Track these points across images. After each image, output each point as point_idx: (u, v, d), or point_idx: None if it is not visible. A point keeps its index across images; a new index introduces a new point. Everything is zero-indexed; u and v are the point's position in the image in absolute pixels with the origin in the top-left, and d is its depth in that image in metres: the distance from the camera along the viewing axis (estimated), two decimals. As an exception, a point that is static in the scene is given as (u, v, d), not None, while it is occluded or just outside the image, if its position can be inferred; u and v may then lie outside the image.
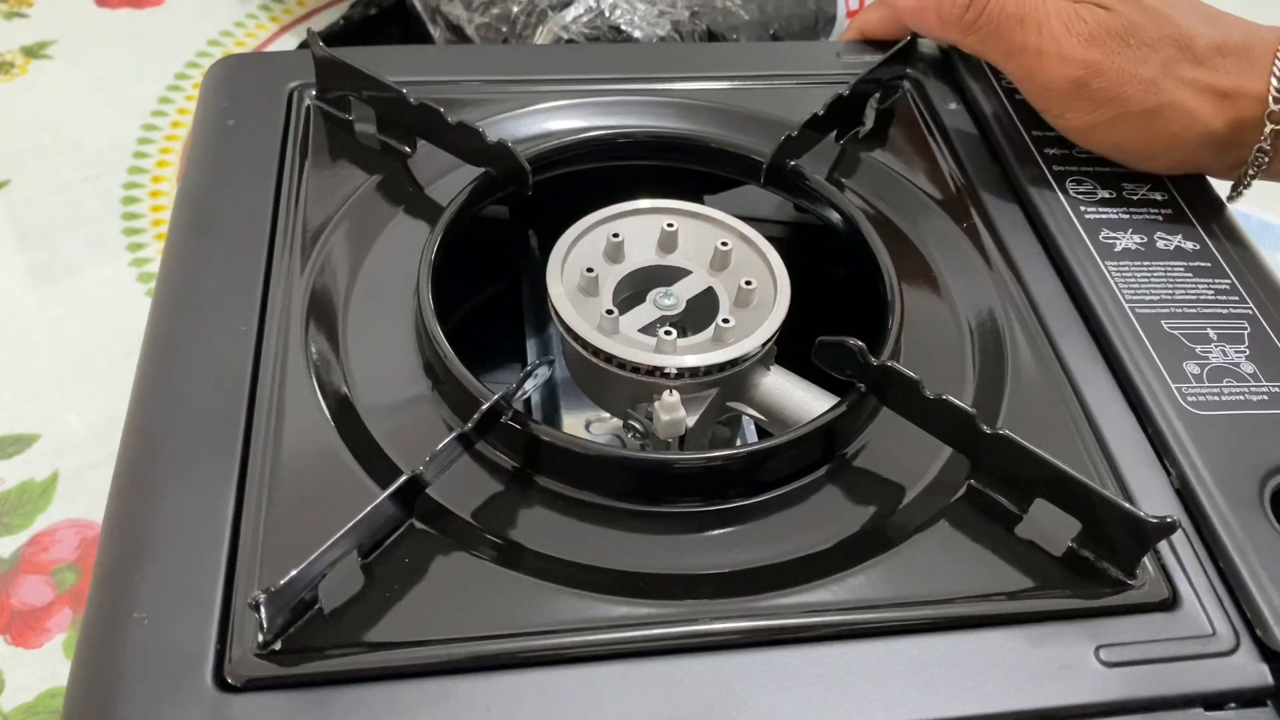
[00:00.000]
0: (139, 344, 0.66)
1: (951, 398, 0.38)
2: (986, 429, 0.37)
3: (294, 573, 0.32)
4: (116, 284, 0.72)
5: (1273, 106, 0.45)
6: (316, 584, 0.34)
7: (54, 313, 0.71)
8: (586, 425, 0.50)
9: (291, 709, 0.32)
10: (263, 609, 0.32)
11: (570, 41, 0.72)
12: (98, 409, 0.65)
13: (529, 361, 0.53)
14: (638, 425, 0.43)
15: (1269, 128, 0.45)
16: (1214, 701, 0.35)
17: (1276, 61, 0.45)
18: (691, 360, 0.41)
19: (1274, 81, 0.44)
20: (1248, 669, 0.35)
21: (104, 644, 0.34)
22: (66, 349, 0.68)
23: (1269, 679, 0.35)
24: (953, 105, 0.54)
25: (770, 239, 0.45)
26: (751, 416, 0.44)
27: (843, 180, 0.50)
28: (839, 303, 0.51)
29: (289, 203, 0.46)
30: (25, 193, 0.79)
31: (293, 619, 0.34)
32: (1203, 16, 0.47)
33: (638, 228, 0.46)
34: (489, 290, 0.56)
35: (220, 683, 0.33)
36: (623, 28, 0.73)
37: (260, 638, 0.33)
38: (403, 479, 0.35)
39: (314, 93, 0.51)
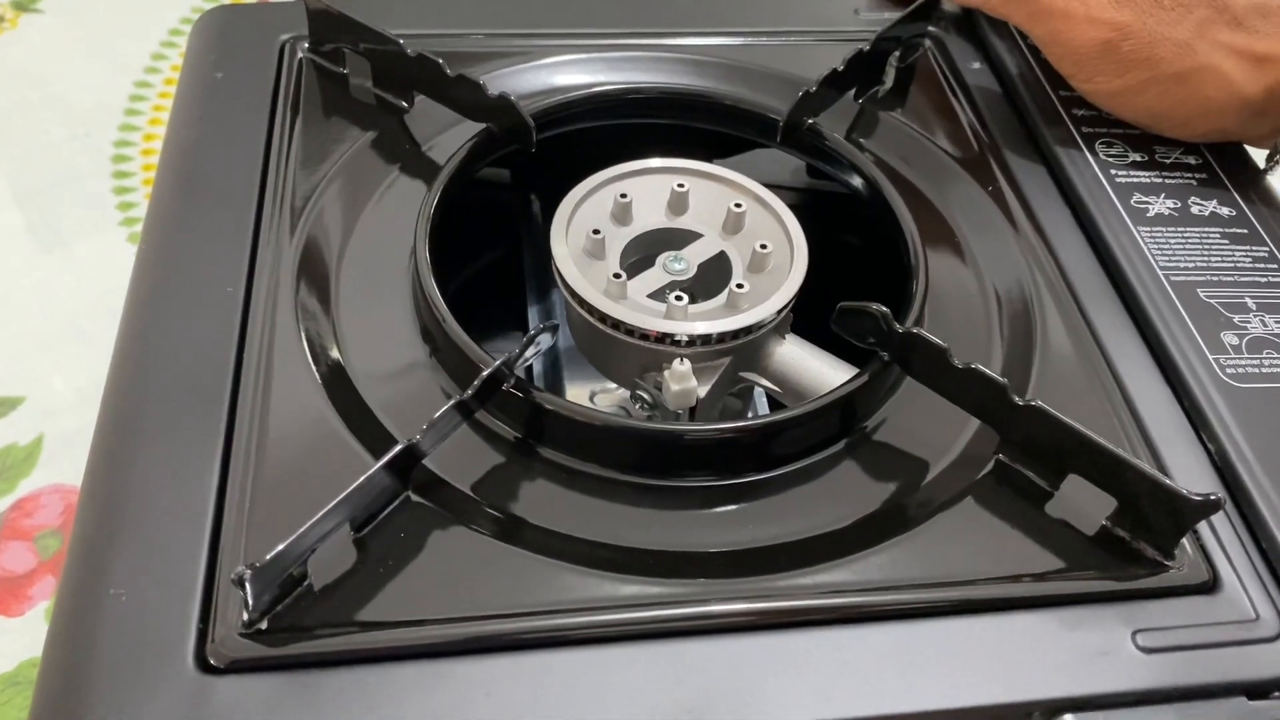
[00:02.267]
0: (128, 309, 0.65)
1: (982, 367, 0.36)
2: (1019, 400, 0.35)
3: (281, 546, 0.30)
4: (106, 245, 0.70)
5: None
6: (306, 559, 0.32)
7: (41, 274, 0.68)
8: (591, 396, 0.48)
9: (278, 692, 0.30)
10: (248, 585, 0.30)
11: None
12: (85, 372, 0.63)
13: (530, 329, 0.50)
14: (646, 395, 0.41)
15: None
16: (1258, 690, 0.33)
17: None
18: (703, 327, 0.39)
19: None
20: (1293, 656, 0.33)
21: (79, 622, 0.32)
22: (54, 311, 0.66)
23: (1316, 667, 0.33)
24: (976, 64, 0.52)
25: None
26: (765, 387, 0.42)
27: (861, 141, 0.48)
28: (854, 272, 0.49)
29: (279, 160, 0.44)
30: (12, 151, 0.77)
31: (280, 596, 0.32)
32: None
33: (647, 188, 0.43)
34: (488, 256, 0.54)
35: (202, 664, 0.31)
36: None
37: (245, 616, 0.31)
38: (398, 448, 0.33)
39: (307, 45, 0.48)
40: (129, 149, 0.79)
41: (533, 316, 0.51)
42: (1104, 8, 0.44)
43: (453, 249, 0.44)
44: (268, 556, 0.30)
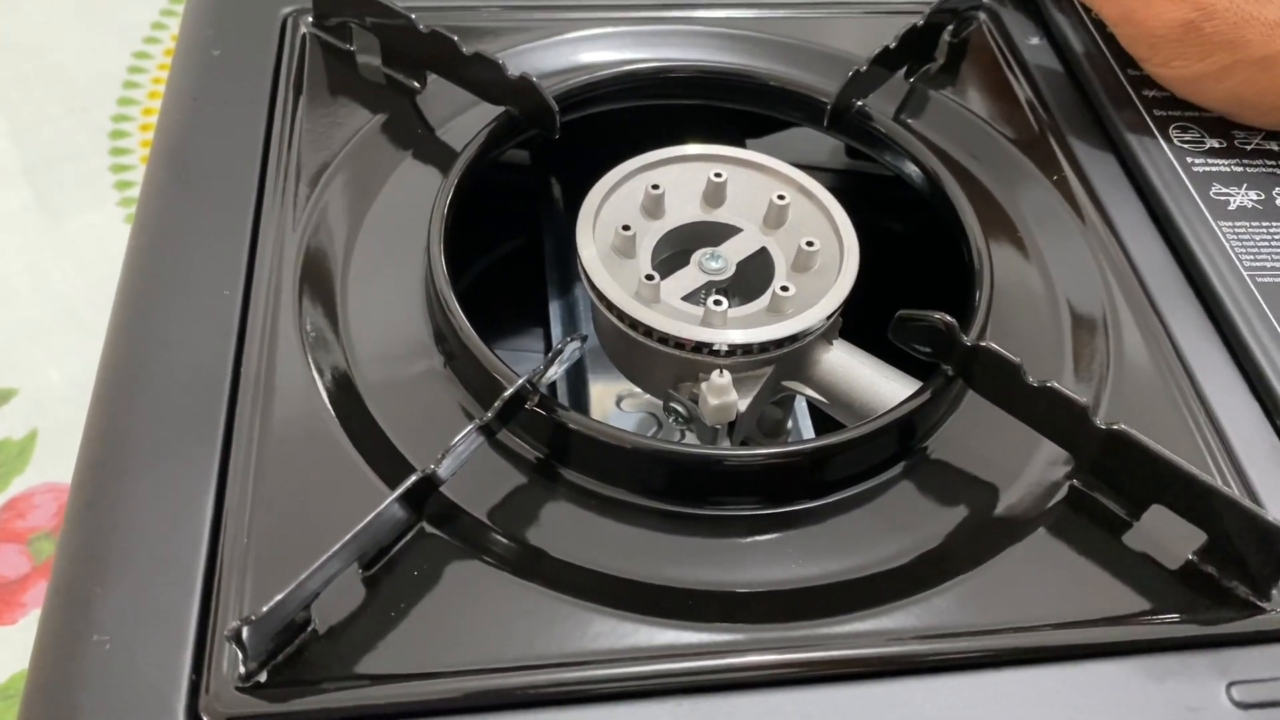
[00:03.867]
0: (127, 295, 0.61)
1: (1058, 386, 0.32)
2: (1101, 425, 0.32)
3: (281, 595, 0.27)
4: (103, 227, 0.67)
5: None
6: (309, 603, 0.28)
7: (36, 257, 0.66)
8: (618, 401, 0.45)
9: (279, 756, 0.27)
10: (245, 640, 0.27)
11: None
12: (81, 363, 0.61)
13: (551, 328, 0.47)
14: (680, 408, 0.37)
15: None
16: (1366, 751, 0.30)
17: None
18: (745, 335, 0.35)
19: None
20: (1405, 712, 0.30)
21: (59, 671, 0.29)
22: (48, 297, 0.63)
23: None
24: (1035, 40, 0.48)
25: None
26: (810, 398, 0.38)
27: (911, 123, 0.44)
28: (900, 262, 0.45)
29: (281, 147, 0.40)
30: (7, 125, 0.74)
31: (282, 644, 0.29)
32: None
33: (680, 177, 0.40)
34: (506, 245, 0.51)
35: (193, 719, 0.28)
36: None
37: (242, 668, 0.28)
38: (414, 478, 0.30)
39: (310, 19, 0.45)
40: (127, 124, 0.75)
41: (554, 311, 0.48)
42: (1185, -16, 0.40)
43: (468, 238, 0.40)
44: (265, 608, 0.27)
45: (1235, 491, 0.32)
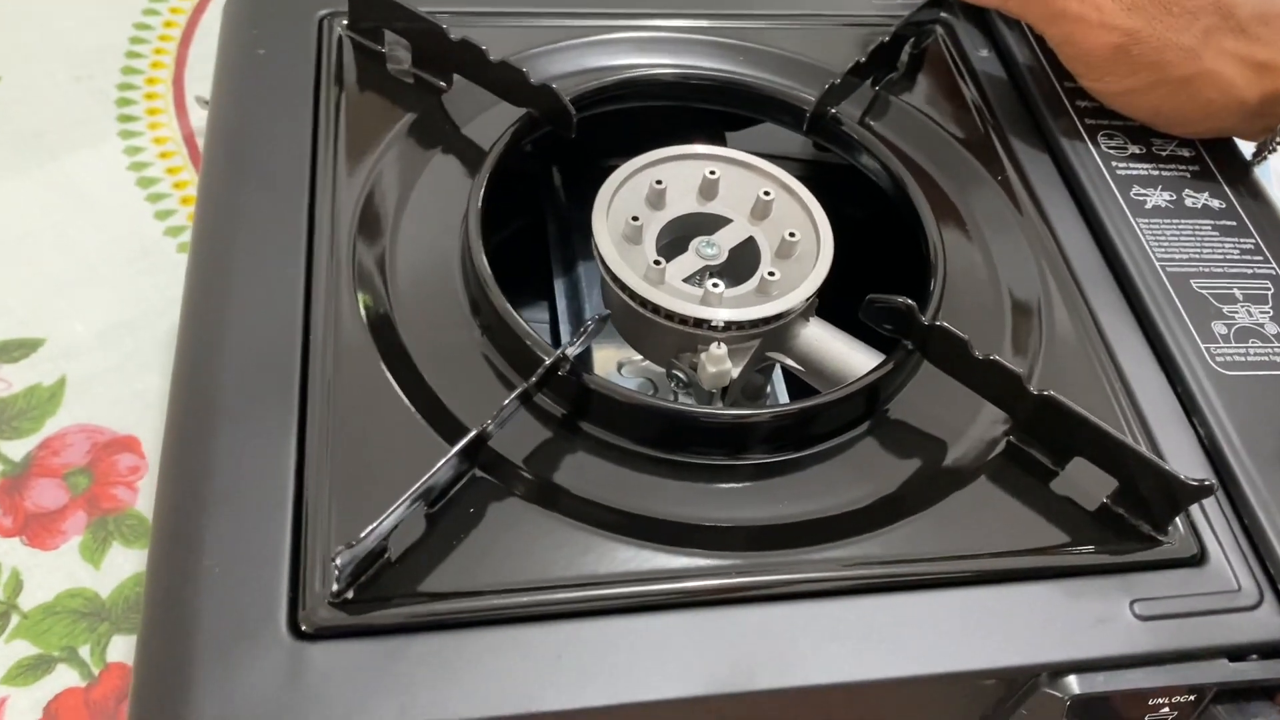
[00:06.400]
0: (140, 251, 0.66)
1: (1000, 359, 0.39)
2: (1034, 390, 0.38)
3: (372, 528, 0.33)
4: (116, 188, 0.71)
5: None
6: (387, 536, 0.34)
7: (55, 217, 0.69)
8: (619, 367, 0.51)
9: (368, 657, 0.33)
10: (340, 564, 0.33)
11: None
12: (102, 315, 0.65)
13: (556, 301, 0.53)
14: (680, 374, 0.44)
15: None
16: (1237, 653, 0.37)
17: None
18: (738, 314, 0.41)
19: None
20: (1270, 623, 0.37)
21: (174, 594, 0.34)
22: (68, 254, 0.67)
23: (1289, 632, 0.37)
24: (984, 52, 0.54)
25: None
26: (790, 367, 0.45)
27: (876, 126, 0.50)
28: (862, 244, 0.51)
29: (328, 143, 0.45)
30: (16, 92, 0.77)
31: (364, 568, 0.34)
32: None
33: (680, 173, 0.46)
34: (513, 225, 0.56)
35: (295, 631, 0.33)
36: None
37: (335, 586, 0.34)
38: (471, 435, 0.35)
39: (345, 23, 0.50)
40: (132, 92, 0.79)
41: (559, 287, 0.53)
42: (1116, 14, 0.47)
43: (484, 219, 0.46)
44: (361, 537, 0.33)
45: (1141, 447, 0.39)
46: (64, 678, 0.50)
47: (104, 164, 0.72)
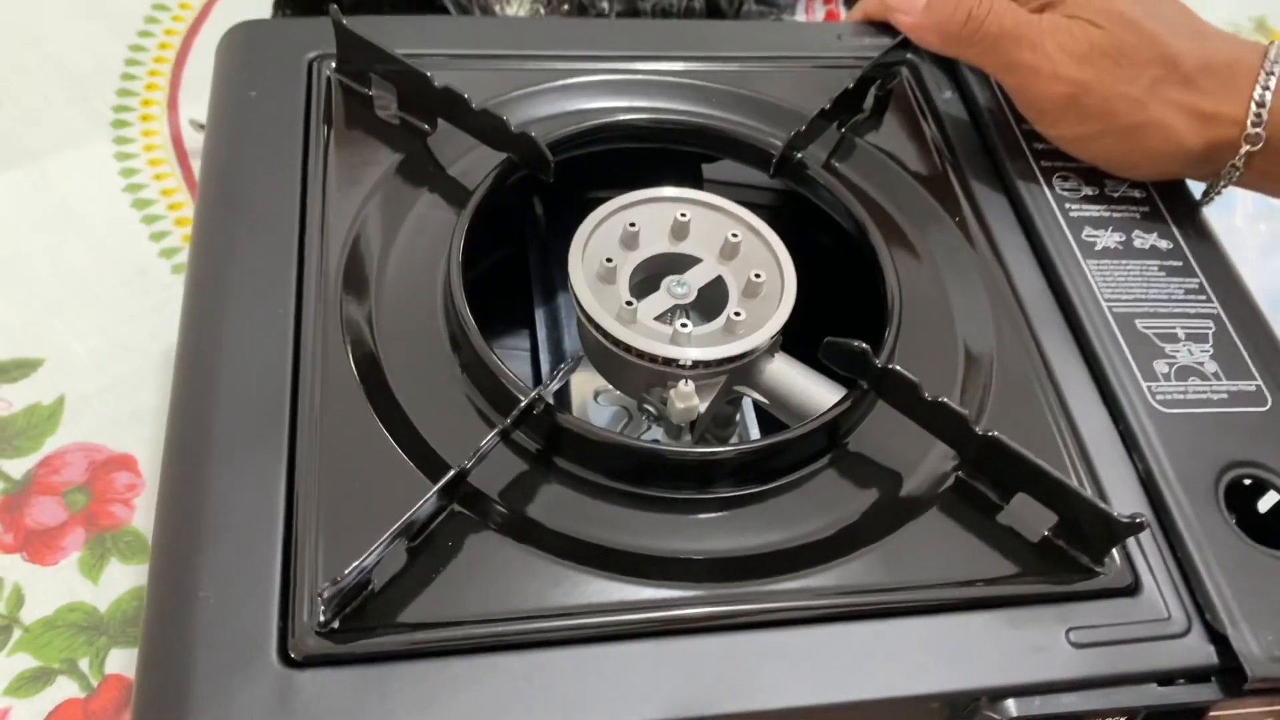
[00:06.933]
0: (135, 272, 0.68)
1: (947, 400, 0.41)
2: (979, 431, 0.41)
3: (356, 563, 0.35)
4: (111, 210, 0.73)
5: (1250, 130, 0.48)
6: (371, 570, 0.37)
7: (50, 238, 0.71)
8: (595, 395, 0.53)
9: (353, 683, 0.36)
10: (327, 597, 0.35)
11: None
12: (98, 335, 0.67)
13: (537, 330, 0.55)
14: (651, 408, 0.46)
15: (1244, 149, 0.48)
16: (1166, 678, 0.39)
17: (1257, 86, 0.48)
18: (704, 353, 0.44)
19: (1253, 106, 0.48)
20: (1197, 649, 0.40)
21: (172, 622, 0.37)
22: (65, 275, 0.69)
23: (1214, 658, 0.40)
24: (948, 94, 0.56)
25: (755, 205, 0.47)
26: (756, 400, 0.47)
27: (841, 168, 0.53)
28: (830, 267, 0.54)
29: (316, 183, 0.48)
30: (16, 113, 0.79)
31: (349, 600, 0.37)
32: (1191, 33, 0.50)
33: (653, 215, 0.48)
34: (497, 254, 0.58)
35: (285, 658, 0.36)
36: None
37: (321, 617, 0.36)
38: (449, 475, 0.38)
39: (333, 65, 0.52)
40: (128, 114, 0.81)
41: (539, 317, 0.56)
42: (1067, 65, 0.49)
43: (465, 250, 0.48)
44: (346, 573, 0.35)
45: (1079, 485, 0.42)
46: (64, 689, 0.52)
47: (100, 186, 0.74)
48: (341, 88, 0.52)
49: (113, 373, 0.64)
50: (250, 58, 0.52)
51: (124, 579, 0.56)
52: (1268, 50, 0.49)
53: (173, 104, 0.80)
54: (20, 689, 0.52)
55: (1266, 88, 0.48)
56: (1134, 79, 0.49)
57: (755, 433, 0.52)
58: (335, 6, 0.49)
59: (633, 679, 0.37)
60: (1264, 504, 0.45)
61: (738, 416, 0.52)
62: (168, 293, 0.69)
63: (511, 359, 0.56)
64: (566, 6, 0.72)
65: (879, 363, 0.42)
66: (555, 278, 0.56)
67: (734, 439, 0.52)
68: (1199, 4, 0.53)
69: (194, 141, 0.78)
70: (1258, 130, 0.48)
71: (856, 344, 0.42)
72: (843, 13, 0.84)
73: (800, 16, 0.82)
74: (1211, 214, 0.54)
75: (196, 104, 0.80)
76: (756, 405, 0.53)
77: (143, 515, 0.59)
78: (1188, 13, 0.52)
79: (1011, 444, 0.41)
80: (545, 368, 0.54)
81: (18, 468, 0.60)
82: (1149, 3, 0.50)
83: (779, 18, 0.80)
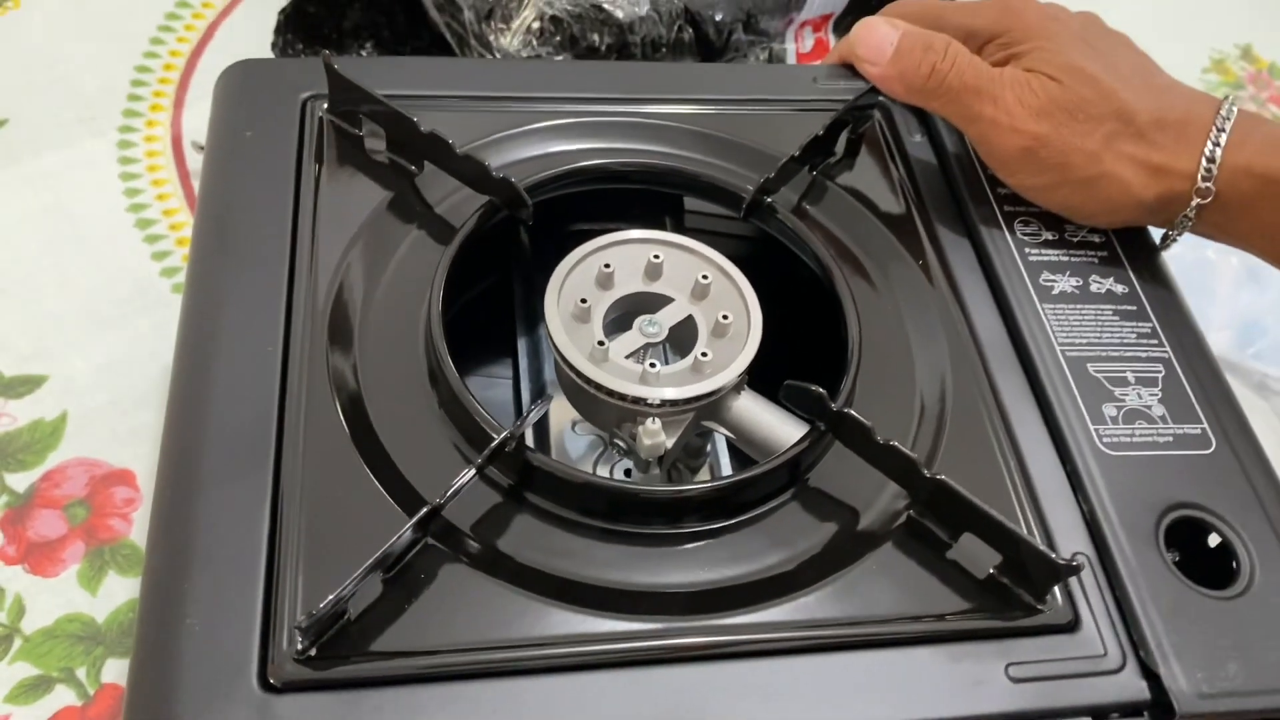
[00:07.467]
0: (137, 290, 0.71)
1: (898, 444, 0.43)
2: (927, 474, 0.43)
3: (333, 597, 0.38)
4: (115, 228, 0.75)
5: (1200, 184, 0.50)
6: (348, 601, 0.39)
7: (57, 257, 0.73)
8: (572, 425, 0.55)
9: (330, 708, 0.38)
10: (305, 627, 0.37)
11: (554, 18, 0.75)
12: (102, 354, 0.69)
13: (519, 359, 0.58)
14: (621, 443, 0.48)
15: (1195, 201, 0.50)
16: (1100, 712, 0.42)
17: (1208, 142, 0.50)
18: (672, 393, 0.46)
19: (1204, 162, 0.50)
20: (1130, 685, 0.42)
21: (160, 648, 0.39)
22: (69, 293, 0.71)
23: (1147, 694, 0.42)
24: (918, 137, 0.58)
25: (737, 238, 0.49)
26: (724, 435, 0.49)
27: (811, 210, 0.55)
28: (803, 296, 0.55)
29: (307, 221, 0.50)
30: (25, 132, 0.81)
31: (326, 629, 0.39)
32: (1148, 87, 0.52)
33: (627, 256, 0.50)
34: (481, 285, 0.61)
35: (264, 684, 0.38)
36: (604, 5, 0.76)
37: (299, 645, 0.39)
38: (425, 510, 0.40)
39: (325, 106, 0.54)
40: (133, 134, 0.83)
41: (521, 346, 0.58)
42: (1026, 119, 0.51)
43: (451, 280, 0.50)
44: (323, 605, 0.37)
45: (1023, 525, 0.44)
46: (62, 697, 0.55)
47: (106, 205, 0.76)
48: (333, 128, 0.54)
49: (113, 389, 0.67)
50: (247, 97, 0.55)
51: (121, 591, 0.59)
52: (1220, 106, 0.51)
53: (176, 124, 0.83)
54: (20, 696, 0.55)
55: (1217, 144, 0.50)
56: (1089, 133, 0.51)
57: (726, 463, 0.54)
58: (327, 51, 0.52)
59: (600, 707, 0.39)
60: (1213, 540, 0.47)
61: (709, 448, 0.54)
62: (168, 311, 0.71)
63: (495, 386, 0.59)
64: (559, 37, 0.74)
65: (835, 406, 0.44)
66: (538, 309, 0.58)
67: (704, 470, 0.54)
68: (1184, 31, 0.55)
69: (196, 162, 0.80)
70: (1208, 184, 0.50)
71: (814, 389, 0.45)
72: (832, 41, 0.86)
73: (790, 45, 0.84)
74: (1184, 247, 0.56)
75: (199, 123, 0.82)
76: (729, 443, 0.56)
77: (140, 529, 0.61)
78: (1148, 66, 0.54)
79: (958, 488, 0.43)
80: (526, 397, 0.56)
81: (21, 481, 0.63)
82: (1108, 56, 0.52)
83: (768, 47, 0.82)
